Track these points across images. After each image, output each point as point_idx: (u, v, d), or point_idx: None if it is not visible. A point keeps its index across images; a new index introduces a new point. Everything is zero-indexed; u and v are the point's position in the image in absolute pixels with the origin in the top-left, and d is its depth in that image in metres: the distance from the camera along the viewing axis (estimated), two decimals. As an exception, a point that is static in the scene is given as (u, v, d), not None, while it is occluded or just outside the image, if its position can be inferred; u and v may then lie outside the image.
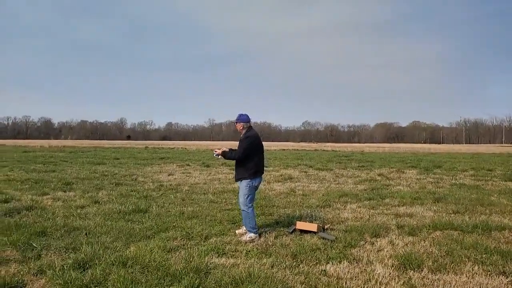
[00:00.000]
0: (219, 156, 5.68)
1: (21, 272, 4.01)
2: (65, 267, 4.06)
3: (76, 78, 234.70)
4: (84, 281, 3.75)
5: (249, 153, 5.53)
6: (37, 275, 3.98)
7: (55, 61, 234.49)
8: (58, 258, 4.40)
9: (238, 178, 5.65)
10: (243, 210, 5.54)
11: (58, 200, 8.31)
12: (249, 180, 5.52)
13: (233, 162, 5.72)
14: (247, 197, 5.52)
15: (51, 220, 6.24)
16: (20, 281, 3.79)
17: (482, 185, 11.72)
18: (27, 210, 7.07)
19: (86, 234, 5.47)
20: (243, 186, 5.56)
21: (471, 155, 32.22)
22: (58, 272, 3.92)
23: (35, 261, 4.33)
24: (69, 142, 69.56)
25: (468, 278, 4.06)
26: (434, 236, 5.66)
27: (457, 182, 12.21)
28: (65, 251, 4.68)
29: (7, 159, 20.51)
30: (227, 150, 5.69)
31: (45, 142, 58.84)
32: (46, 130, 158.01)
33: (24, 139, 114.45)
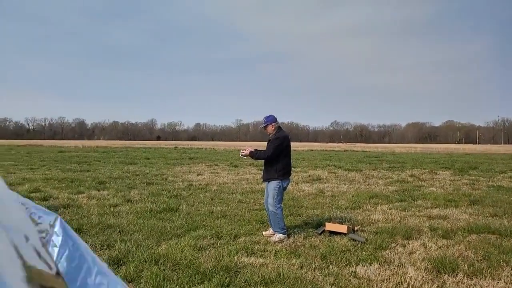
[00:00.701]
0: (246, 157, 5.71)
1: (60, 267, 4.19)
2: (100, 263, 4.21)
3: (107, 80, 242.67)
4: (119, 277, 3.87)
5: (278, 154, 5.52)
6: (74, 270, 4.15)
7: (88, 64, 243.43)
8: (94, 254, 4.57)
9: (266, 179, 5.65)
10: (272, 211, 5.52)
11: (93, 198, 8.62)
12: (278, 181, 5.51)
13: (261, 162, 5.73)
14: (276, 198, 5.52)
15: (86, 218, 6.48)
16: (59, 276, 3.96)
17: (522, 187, 11.17)
18: (64, 207, 7.37)
19: (119, 231, 5.65)
20: (272, 187, 5.56)
21: (510, 156, 30.74)
22: (94, 267, 4.06)
23: (72, 257, 4.52)
24: (101, 143, 71.97)
25: (506, 284, 3.89)
26: (469, 240, 5.45)
27: (495, 184, 11.69)
28: (100, 248, 4.86)
29: (45, 159, 21.48)
30: (253, 150, 5.71)
31: (79, 143, 61.24)
32: (80, 130, 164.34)
33: (60, 139, 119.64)
